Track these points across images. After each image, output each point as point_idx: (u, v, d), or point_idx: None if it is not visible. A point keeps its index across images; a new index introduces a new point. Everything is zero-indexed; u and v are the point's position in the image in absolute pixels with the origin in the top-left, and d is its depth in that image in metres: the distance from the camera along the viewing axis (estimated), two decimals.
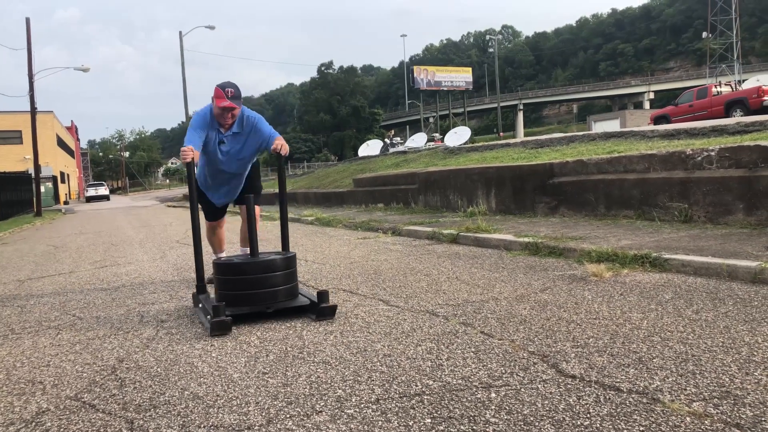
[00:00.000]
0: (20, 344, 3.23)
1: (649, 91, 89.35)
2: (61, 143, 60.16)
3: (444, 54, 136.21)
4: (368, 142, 51.13)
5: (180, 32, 42.72)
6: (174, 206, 30.19)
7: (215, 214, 4.88)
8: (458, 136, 47.81)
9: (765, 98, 22.29)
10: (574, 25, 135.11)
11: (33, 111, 26.18)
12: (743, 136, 6.55)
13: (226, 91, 4.01)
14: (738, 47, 66.69)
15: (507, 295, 3.63)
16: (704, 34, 73.24)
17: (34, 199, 25.84)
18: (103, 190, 52.81)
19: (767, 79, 35.86)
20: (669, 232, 5.31)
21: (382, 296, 3.87)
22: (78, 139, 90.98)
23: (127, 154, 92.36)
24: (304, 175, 22.11)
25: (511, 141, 11.70)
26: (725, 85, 25.83)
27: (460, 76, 71.93)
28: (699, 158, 5.70)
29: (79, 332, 3.42)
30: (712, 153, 5.57)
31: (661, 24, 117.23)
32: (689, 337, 2.54)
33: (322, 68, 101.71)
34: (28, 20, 26.21)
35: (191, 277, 5.25)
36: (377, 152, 45.27)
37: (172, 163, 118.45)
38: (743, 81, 46.47)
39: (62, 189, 52.67)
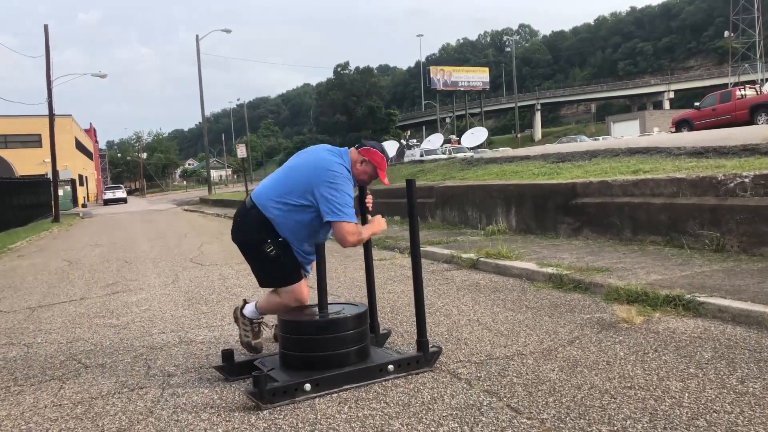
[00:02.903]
0: (21, 402, 3.08)
1: (669, 91, 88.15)
2: (80, 146, 60.75)
3: (460, 54, 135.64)
4: (384, 143, 51.14)
5: (197, 36, 42.99)
6: (191, 210, 30.26)
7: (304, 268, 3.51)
8: (475, 136, 47.65)
9: None
10: (592, 23, 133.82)
11: (51, 118, 26.33)
12: None
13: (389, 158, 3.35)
14: (761, 46, 65.50)
15: (533, 348, 3.41)
16: (726, 33, 72.05)
17: (53, 204, 25.98)
18: (121, 193, 53.19)
19: None
20: (701, 263, 5.05)
21: (399, 346, 3.68)
22: (96, 141, 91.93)
23: (144, 155, 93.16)
24: None
25: (531, 152, 11.44)
26: (749, 88, 25.23)
27: (477, 76, 71.52)
28: (732, 184, 5.43)
29: (82, 387, 3.26)
30: (746, 180, 5.30)
31: (681, 22, 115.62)
32: (738, 420, 2.31)
33: (338, 69, 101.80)
34: (46, 27, 26.37)
35: (202, 310, 5.10)
36: (393, 154, 45.22)
37: (189, 164, 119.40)
38: (766, 80, 45.55)
39: (80, 192, 53.17)
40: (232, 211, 23.90)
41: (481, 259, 6.28)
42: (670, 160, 7.59)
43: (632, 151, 8.67)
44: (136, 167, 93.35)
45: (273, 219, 3.21)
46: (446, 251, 7.14)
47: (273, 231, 3.23)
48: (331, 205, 3.08)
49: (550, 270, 5.30)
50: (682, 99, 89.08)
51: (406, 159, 43.30)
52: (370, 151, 3.34)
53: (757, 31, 65.53)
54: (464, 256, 6.60)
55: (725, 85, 68.06)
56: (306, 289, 3.38)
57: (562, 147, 12.93)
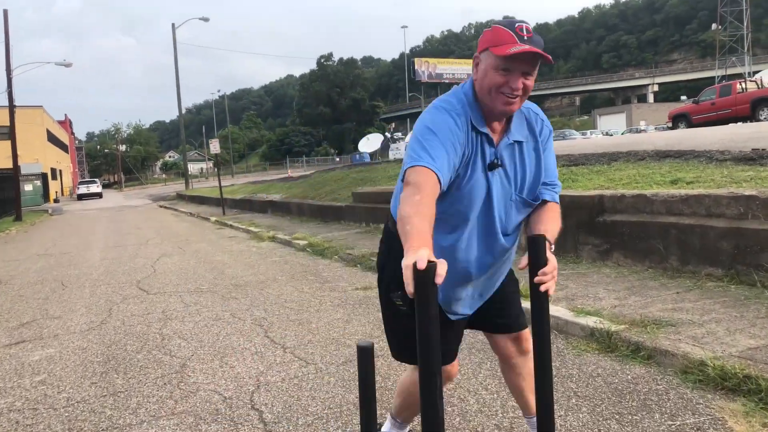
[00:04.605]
0: None
1: (653, 84, 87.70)
2: (53, 138, 58.55)
3: (445, 45, 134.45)
4: (368, 136, 49.63)
5: (173, 24, 41.15)
6: (165, 207, 28.65)
7: (449, 348, 2.11)
8: None
9: None
10: (577, 16, 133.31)
11: (11, 110, 24.60)
12: None
13: (517, 29, 1.76)
14: (748, 39, 64.90)
15: None
16: (713, 26, 71.28)
17: (17, 202, 24.24)
18: (96, 188, 51.22)
19: None
20: None
21: None
22: (72, 133, 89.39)
23: (123, 147, 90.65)
24: (300, 180, 20.51)
25: None
26: (750, 81, 24.13)
27: (462, 68, 70.24)
28: None
29: None
30: None
31: (665, 15, 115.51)
32: None
33: (322, 60, 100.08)
34: (5, 12, 24.61)
35: (114, 386, 3.64)
36: (378, 146, 43.78)
37: (169, 157, 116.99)
38: (754, 73, 44.82)
39: (53, 186, 51.08)
40: (206, 209, 22.40)
41: None
42: (714, 167, 6.29)
43: (661, 155, 7.36)
44: (114, 160, 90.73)
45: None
46: None
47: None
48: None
49: (591, 322, 3.97)
50: (666, 92, 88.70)
51: (390, 153, 41.88)
52: (488, 35, 1.82)
53: (745, 24, 64.95)
54: None
55: (710, 79, 67.47)
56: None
57: (571, 146, 11.61)
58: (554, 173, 2.02)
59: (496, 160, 1.87)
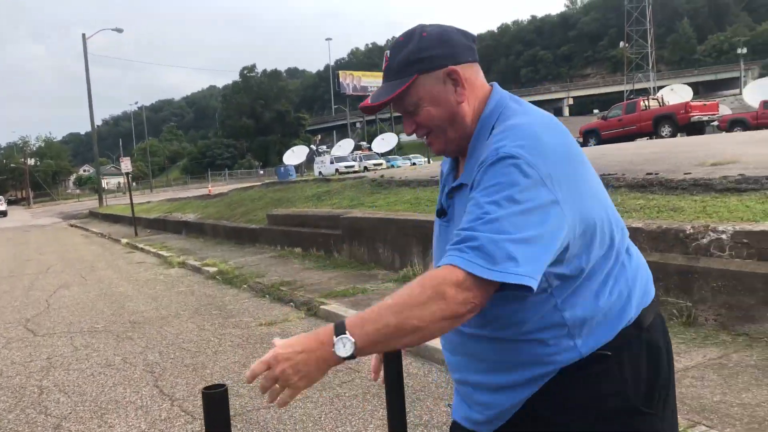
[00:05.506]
0: None
1: (568, 97, 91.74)
2: None
3: (369, 58, 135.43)
4: (293, 148, 49.11)
5: (83, 35, 39.43)
6: (76, 226, 27.22)
7: None
8: (386, 142, 46.72)
9: (693, 114, 22.06)
10: (496, 31, 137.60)
11: None
12: (740, 196, 5.28)
13: (386, 57, 1.41)
14: (652, 57, 68.98)
15: None
16: (621, 44, 75.41)
17: None
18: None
19: (681, 88, 36.74)
20: (673, 344, 3.90)
21: None
22: None
23: (31, 161, 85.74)
24: (217, 198, 19.96)
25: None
26: (652, 99, 25.57)
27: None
28: (705, 240, 4.33)
29: None
30: (724, 236, 4.22)
31: (579, 32, 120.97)
32: None
33: (245, 72, 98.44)
34: None
35: None
36: (303, 159, 43.41)
37: (84, 171, 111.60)
38: (659, 89, 47.63)
39: None
40: (119, 229, 21.41)
41: None
42: (609, 193, 6.52)
43: None
44: (22, 175, 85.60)
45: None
46: (352, 310, 5.70)
47: None
48: None
49: None
50: (581, 105, 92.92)
51: (315, 166, 41.62)
52: None
53: (650, 43, 69.01)
54: None
55: (620, 93, 71.33)
56: None
57: None
58: (467, 220, 1.19)
59: (441, 206, 1.47)
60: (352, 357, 1.15)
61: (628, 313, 1.31)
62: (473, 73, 1.39)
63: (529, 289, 1.14)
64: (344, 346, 1.14)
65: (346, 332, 1.15)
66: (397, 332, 1.15)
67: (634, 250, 1.44)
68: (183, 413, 3.79)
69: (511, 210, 1.16)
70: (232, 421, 1.36)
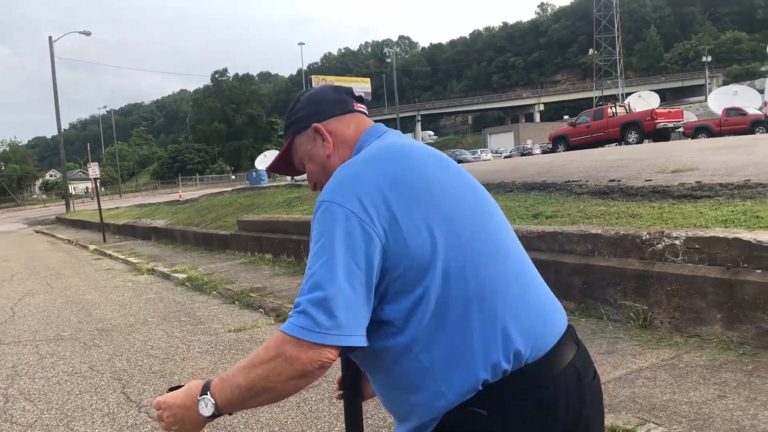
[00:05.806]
0: None
1: (539, 103, 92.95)
2: None
3: (342, 63, 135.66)
4: (266, 152, 48.95)
5: (50, 38, 38.71)
6: (43, 232, 26.70)
7: None
8: None
9: (658, 121, 22.62)
10: (468, 37, 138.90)
11: None
12: (695, 203, 5.50)
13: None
14: (621, 64, 70.37)
15: None
16: (590, 51, 76.80)
17: None
18: None
19: (648, 95, 37.58)
20: (629, 345, 4.06)
21: None
22: None
23: None
24: (187, 204, 19.80)
25: None
26: (620, 106, 26.13)
27: (359, 87, 70.80)
28: (660, 246, 4.51)
29: None
30: (677, 242, 4.39)
31: (549, 38, 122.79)
32: None
33: (216, 76, 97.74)
34: None
35: None
36: None
37: (50, 176, 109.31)
38: (627, 95, 48.66)
39: None
40: (86, 236, 21.08)
41: None
42: (573, 200, 6.72)
43: (528, 186, 7.78)
44: None
45: None
46: None
47: None
48: None
49: None
50: (551, 111, 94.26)
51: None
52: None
53: (618, 50, 70.39)
54: None
55: (590, 99, 72.63)
56: None
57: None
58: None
59: None
60: (214, 416, 1.19)
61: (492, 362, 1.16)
62: (342, 125, 1.40)
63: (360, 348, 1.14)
64: (206, 406, 1.19)
65: (208, 393, 1.19)
66: (250, 392, 1.15)
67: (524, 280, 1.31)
68: (150, 419, 3.81)
69: (324, 260, 1.13)
70: None
